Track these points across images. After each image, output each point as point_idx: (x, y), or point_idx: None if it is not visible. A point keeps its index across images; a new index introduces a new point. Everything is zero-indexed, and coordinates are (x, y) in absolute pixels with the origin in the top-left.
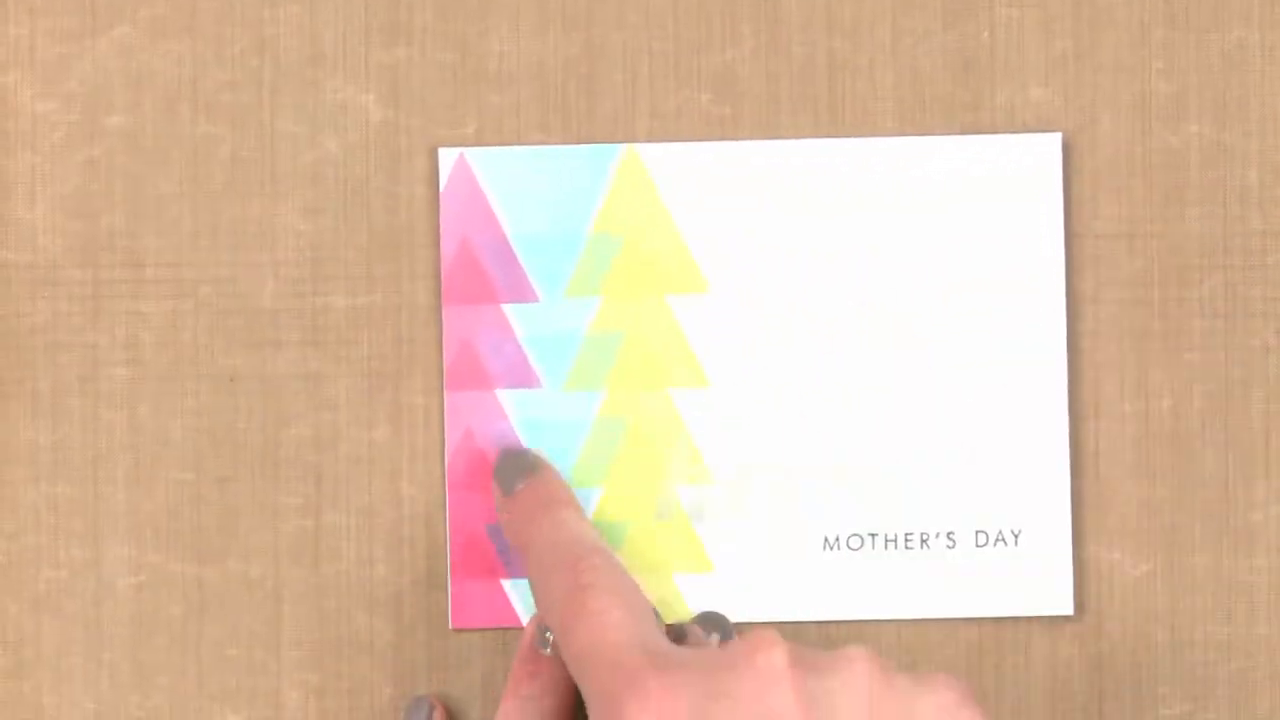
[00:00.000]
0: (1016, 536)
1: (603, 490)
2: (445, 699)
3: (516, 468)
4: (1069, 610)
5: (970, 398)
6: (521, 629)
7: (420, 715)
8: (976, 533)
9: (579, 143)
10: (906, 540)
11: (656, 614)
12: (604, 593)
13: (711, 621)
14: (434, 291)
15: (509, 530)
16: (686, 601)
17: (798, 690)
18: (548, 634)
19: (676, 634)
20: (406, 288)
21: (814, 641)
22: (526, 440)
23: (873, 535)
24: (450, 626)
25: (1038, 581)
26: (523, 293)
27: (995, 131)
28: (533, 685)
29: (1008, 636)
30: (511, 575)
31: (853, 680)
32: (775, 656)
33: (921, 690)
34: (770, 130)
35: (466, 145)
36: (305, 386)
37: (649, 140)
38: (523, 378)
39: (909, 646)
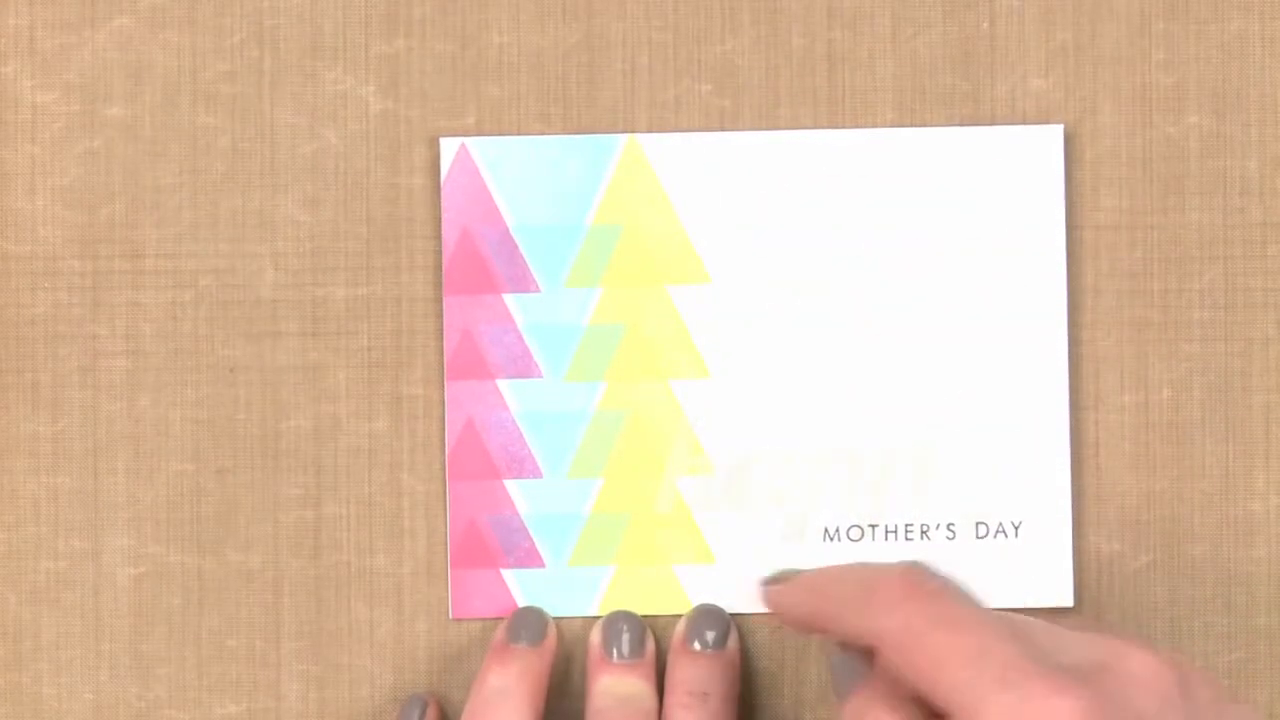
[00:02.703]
0: (1016, 528)
1: (603, 481)
2: (445, 689)
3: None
4: (1069, 601)
5: (970, 389)
6: None
7: (414, 714)
8: (976, 524)
9: (579, 133)
10: (906, 531)
11: None
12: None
13: (710, 615)
14: (434, 282)
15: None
16: (687, 593)
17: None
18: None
19: None
20: (406, 278)
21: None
22: (526, 431)
23: (873, 526)
24: (450, 617)
25: (1038, 573)
26: (524, 283)
27: (995, 123)
28: (503, 676)
29: None
30: (512, 565)
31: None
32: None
33: None
34: (770, 121)
35: (467, 135)
36: (305, 377)
37: (649, 131)
38: (523, 368)
39: None
